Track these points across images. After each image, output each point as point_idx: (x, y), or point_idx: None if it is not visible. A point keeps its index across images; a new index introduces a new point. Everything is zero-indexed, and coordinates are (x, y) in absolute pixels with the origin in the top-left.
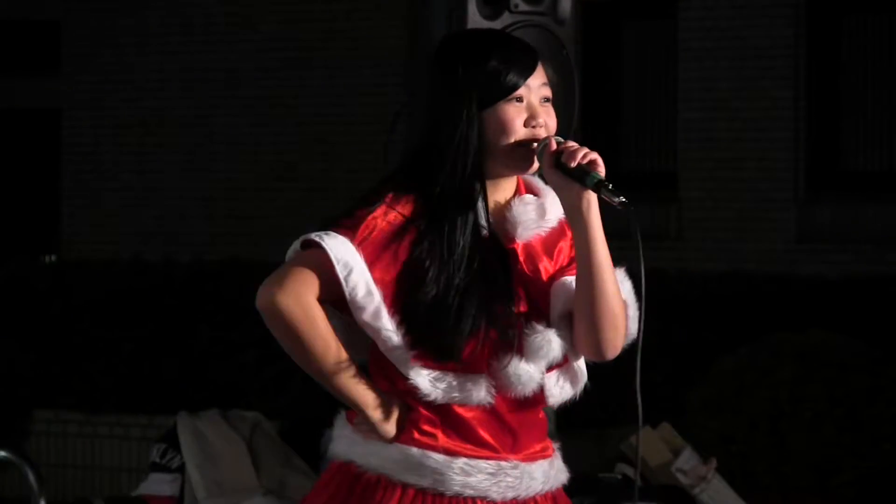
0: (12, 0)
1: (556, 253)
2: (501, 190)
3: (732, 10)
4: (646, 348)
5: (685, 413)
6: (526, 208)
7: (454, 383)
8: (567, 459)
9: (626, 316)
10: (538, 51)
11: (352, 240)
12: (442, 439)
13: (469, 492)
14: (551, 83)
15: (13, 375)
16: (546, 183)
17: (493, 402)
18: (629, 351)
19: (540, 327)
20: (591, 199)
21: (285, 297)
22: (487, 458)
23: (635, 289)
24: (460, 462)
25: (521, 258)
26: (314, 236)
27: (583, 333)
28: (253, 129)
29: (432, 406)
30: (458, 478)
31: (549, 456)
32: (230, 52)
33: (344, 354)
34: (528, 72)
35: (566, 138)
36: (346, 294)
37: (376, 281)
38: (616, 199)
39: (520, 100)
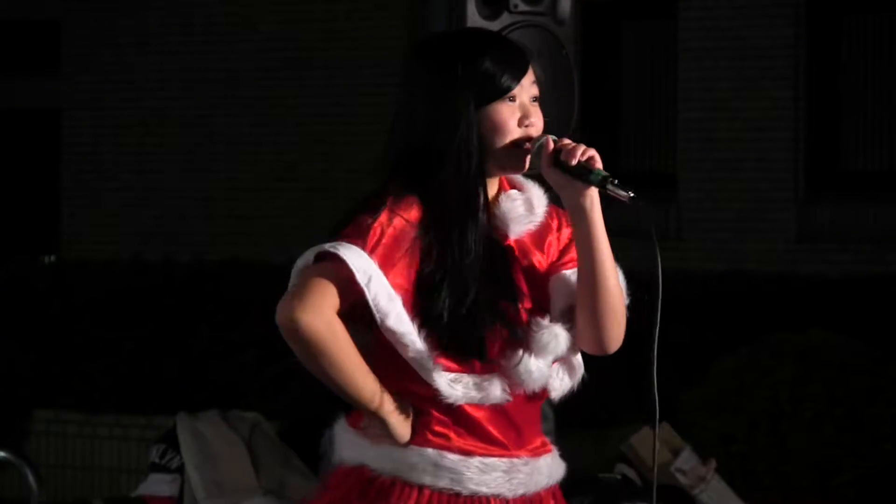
0: (12, 0)
1: (546, 247)
2: (491, 188)
3: (732, 10)
4: (646, 348)
5: (685, 413)
6: (514, 204)
7: (471, 384)
8: (566, 460)
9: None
10: (536, 50)
11: (363, 248)
12: (455, 439)
13: (483, 490)
14: (539, 82)
15: (13, 375)
16: (543, 182)
17: (510, 399)
18: (629, 351)
19: (545, 322)
20: (595, 196)
21: (306, 312)
22: (500, 455)
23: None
24: (475, 461)
25: (518, 254)
26: (329, 247)
27: (585, 328)
28: (253, 129)
29: (443, 407)
30: (475, 476)
31: (550, 450)
32: (230, 52)
33: (363, 363)
34: (522, 72)
35: (563, 138)
36: (370, 302)
37: (393, 287)
38: (625, 194)
39: (513, 99)
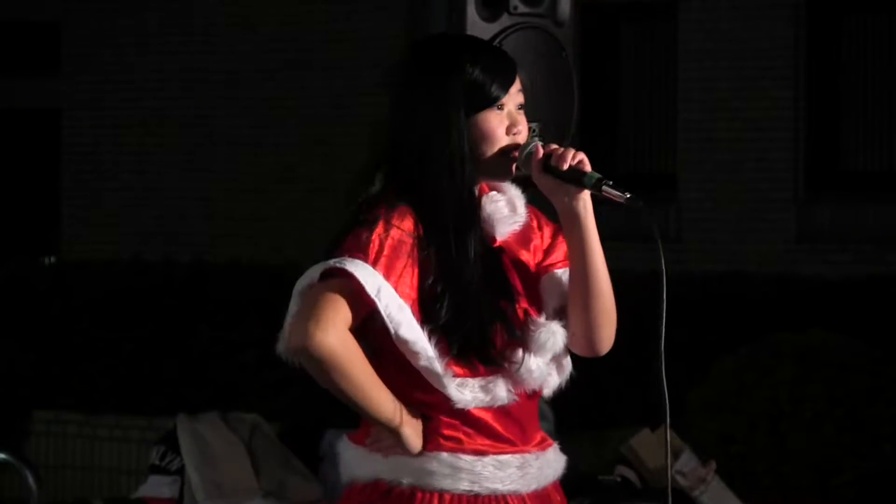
0: (12, 0)
1: (531, 246)
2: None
3: (732, 10)
4: (646, 349)
5: (685, 413)
6: (498, 205)
7: (477, 387)
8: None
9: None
10: (536, 52)
11: (366, 261)
12: (467, 441)
13: (500, 487)
14: (525, 89)
15: (13, 375)
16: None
17: (517, 398)
18: (629, 353)
19: (540, 321)
20: (587, 199)
21: (322, 331)
22: (512, 452)
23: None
24: (489, 459)
25: (507, 255)
26: (335, 263)
27: (578, 331)
28: (253, 129)
29: (450, 411)
30: (492, 474)
31: (552, 444)
32: (230, 53)
33: (379, 379)
34: (510, 82)
35: (564, 140)
36: (383, 313)
37: (400, 296)
38: (622, 195)
39: (501, 108)
